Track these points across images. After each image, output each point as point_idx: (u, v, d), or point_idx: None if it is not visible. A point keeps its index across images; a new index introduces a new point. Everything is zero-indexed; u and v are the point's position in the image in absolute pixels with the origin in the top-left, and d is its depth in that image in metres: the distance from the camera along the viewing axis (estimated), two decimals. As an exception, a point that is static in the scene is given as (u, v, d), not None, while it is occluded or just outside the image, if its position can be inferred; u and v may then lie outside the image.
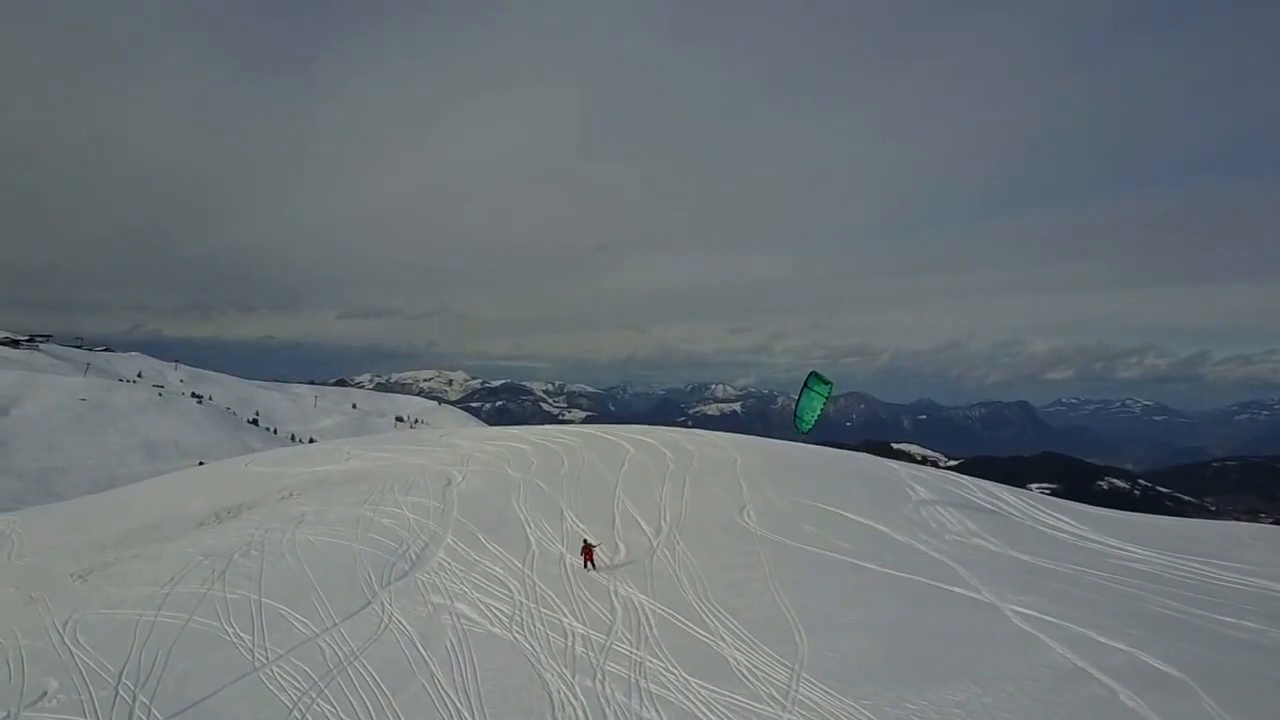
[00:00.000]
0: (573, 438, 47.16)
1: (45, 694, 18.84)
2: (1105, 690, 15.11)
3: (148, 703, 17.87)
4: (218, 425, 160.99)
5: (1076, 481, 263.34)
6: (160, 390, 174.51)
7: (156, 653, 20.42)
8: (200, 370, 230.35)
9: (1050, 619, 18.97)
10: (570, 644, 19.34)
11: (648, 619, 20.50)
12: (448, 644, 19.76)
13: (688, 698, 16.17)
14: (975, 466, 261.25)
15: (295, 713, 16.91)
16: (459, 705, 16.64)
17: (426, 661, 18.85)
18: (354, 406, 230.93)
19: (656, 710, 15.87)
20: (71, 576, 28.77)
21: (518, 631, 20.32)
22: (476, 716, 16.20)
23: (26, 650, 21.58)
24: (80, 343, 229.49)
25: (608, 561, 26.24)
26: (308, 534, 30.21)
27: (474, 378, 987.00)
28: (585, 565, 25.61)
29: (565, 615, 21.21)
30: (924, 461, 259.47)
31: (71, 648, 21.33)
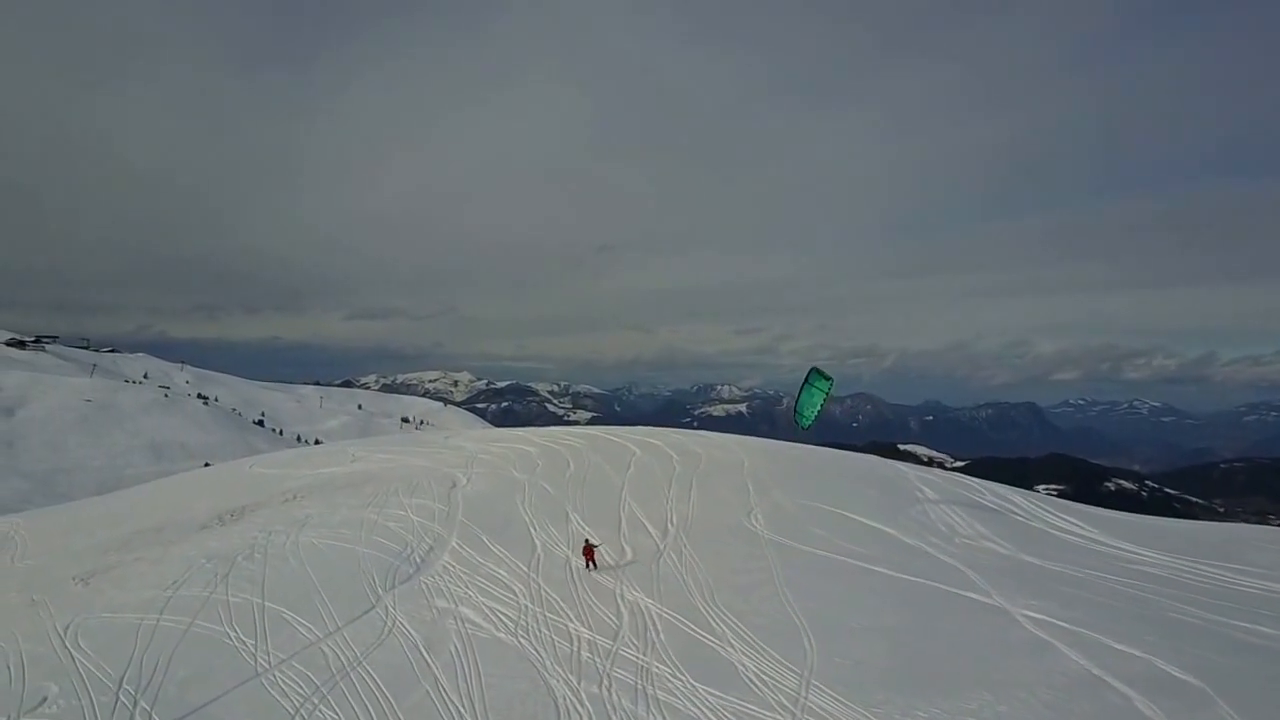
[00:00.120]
0: (578, 439, 46.93)
1: (45, 699, 18.67)
2: (1121, 698, 14.88)
3: (148, 708, 17.69)
4: (223, 426, 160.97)
5: (1084, 483, 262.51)
6: (166, 391, 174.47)
7: (158, 657, 20.22)
8: (206, 371, 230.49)
9: (1063, 624, 18.74)
10: (576, 649, 19.10)
11: (654, 624, 20.26)
12: (452, 649, 19.54)
13: (695, 705, 15.95)
14: (982, 467, 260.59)
15: (297, 719, 16.72)
16: (463, 712, 16.43)
17: (430, 667, 18.62)
18: (359, 407, 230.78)
19: (664, 718, 15.64)
20: (73, 579, 28.60)
21: (523, 636, 20.09)
22: (481, 724, 16.03)
23: (27, 654, 21.40)
24: (86, 343, 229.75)
25: (610, 562, 26.06)
26: (311, 537, 30.00)
27: (479, 379, 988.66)
28: (587, 565, 25.47)
29: (571, 620, 20.96)
30: (930, 463, 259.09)
31: (72, 652, 21.15)
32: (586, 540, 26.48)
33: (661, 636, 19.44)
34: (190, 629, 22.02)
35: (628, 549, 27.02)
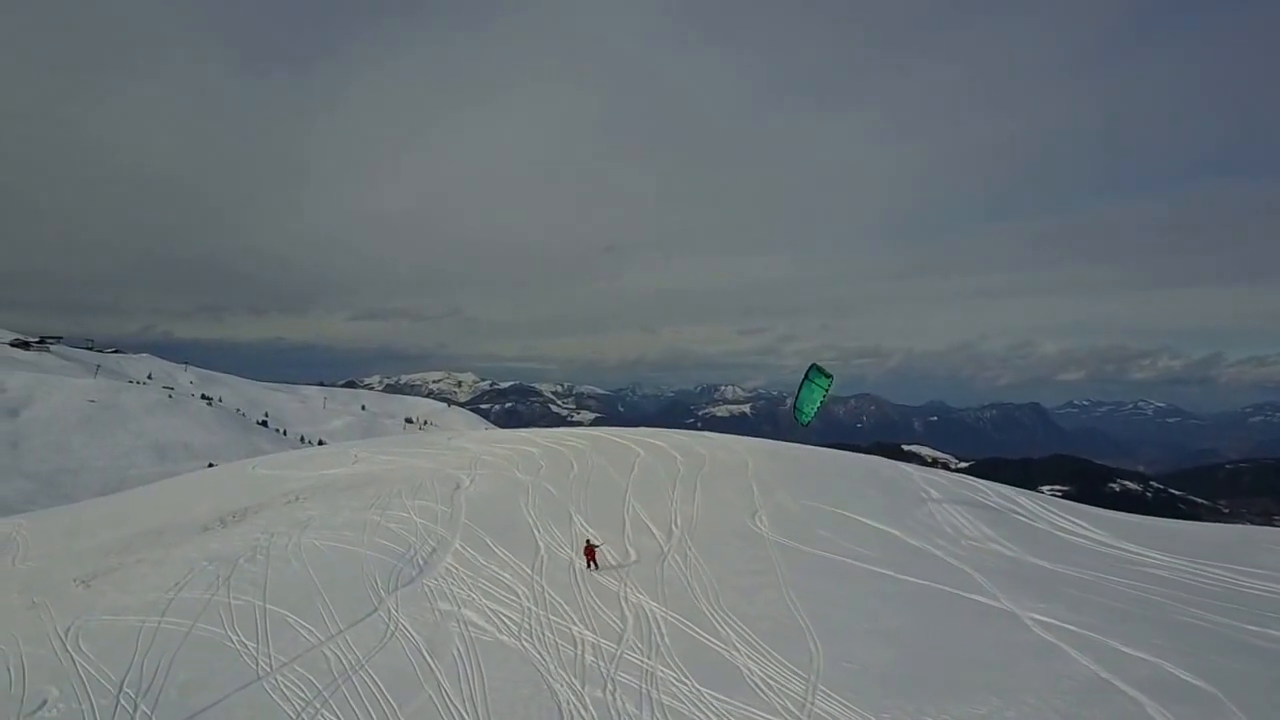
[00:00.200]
0: (581, 440, 46.80)
1: (45, 703, 18.57)
2: (1132, 703, 14.72)
3: (149, 712, 17.60)
4: (227, 427, 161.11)
5: (1088, 484, 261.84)
6: (170, 392, 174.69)
7: (159, 661, 20.13)
8: (210, 372, 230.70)
9: (1071, 628, 18.58)
10: (580, 653, 18.94)
11: (659, 627, 20.10)
12: (455, 652, 19.40)
13: (701, 710, 15.79)
14: (986, 468, 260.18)
15: (299, 724, 16.61)
16: (466, 717, 16.29)
17: (433, 670, 18.48)
18: (363, 408, 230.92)
19: (668, 723, 15.51)
20: (74, 582, 28.50)
21: (526, 640, 19.94)
22: (484, 729, 15.88)
23: (28, 657, 21.34)
24: (91, 344, 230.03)
25: (612, 561, 25.95)
26: (313, 539, 29.88)
27: (483, 379, 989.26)
28: (588, 565, 25.40)
29: (575, 623, 20.82)
30: (934, 463, 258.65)
31: (73, 655, 21.07)
32: (588, 540, 26.44)
33: (666, 640, 19.28)
34: (191, 632, 21.92)
35: (632, 551, 26.87)
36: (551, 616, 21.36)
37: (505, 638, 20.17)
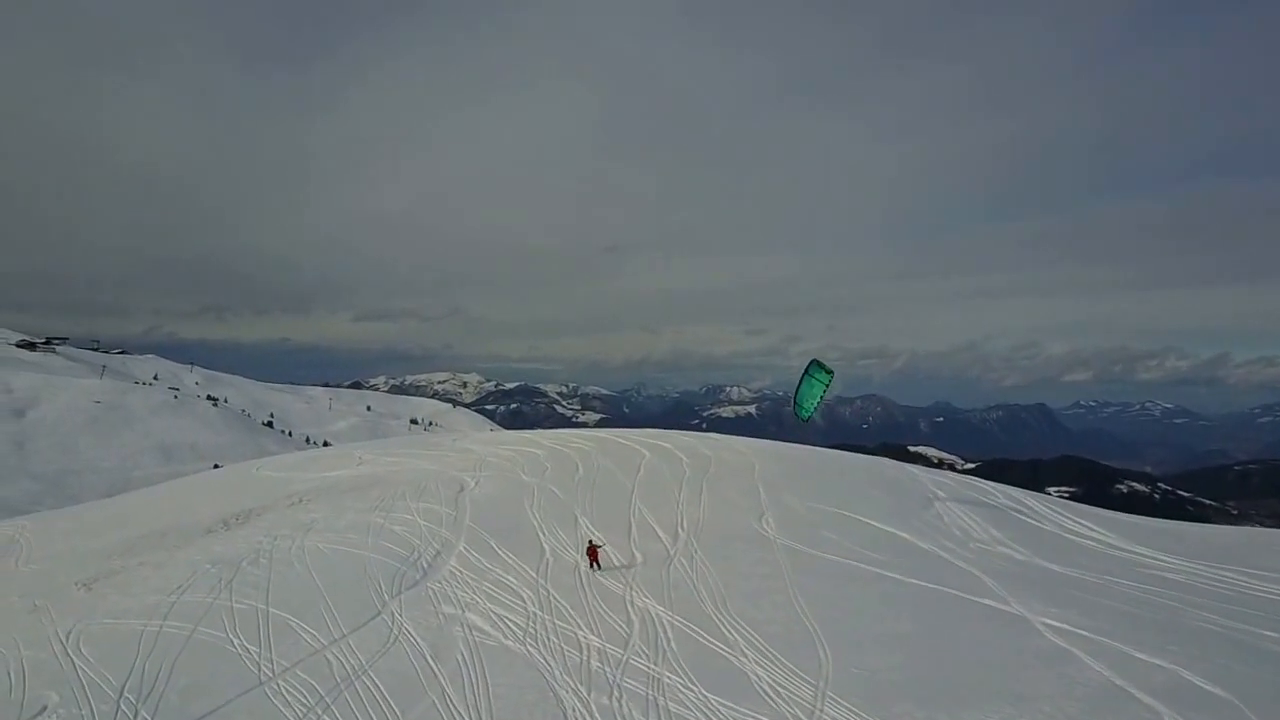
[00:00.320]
0: (587, 442, 46.63)
1: (45, 708, 18.41)
2: (1148, 712, 14.44)
3: (149, 718, 17.44)
4: (233, 428, 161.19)
5: (1096, 485, 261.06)
6: (176, 393, 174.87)
7: (160, 665, 19.99)
8: (216, 373, 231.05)
9: (1084, 633, 18.28)
10: (585, 658, 18.71)
11: (665, 632, 19.85)
12: (459, 657, 19.19)
13: (708, 717, 15.55)
14: (993, 469, 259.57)
15: (300, 730, 16.41)
16: (470, 724, 16.07)
17: (437, 675, 18.27)
18: (368, 409, 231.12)
19: (675, 730, 15.28)
20: (76, 585, 28.38)
21: (531, 644, 19.72)
22: (488, 736, 15.67)
23: (28, 661, 21.21)
24: (97, 345, 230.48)
25: (615, 562, 25.79)
26: (317, 541, 29.73)
27: (488, 380, 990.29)
28: (591, 565, 25.27)
29: (580, 628, 20.58)
30: (941, 464, 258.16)
31: (74, 659, 20.93)
32: (590, 540, 26.31)
33: (673, 645, 19.03)
34: (193, 636, 21.76)
35: (638, 554, 26.62)
36: (557, 621, 21.13)
37: (510, 642, 19.95)
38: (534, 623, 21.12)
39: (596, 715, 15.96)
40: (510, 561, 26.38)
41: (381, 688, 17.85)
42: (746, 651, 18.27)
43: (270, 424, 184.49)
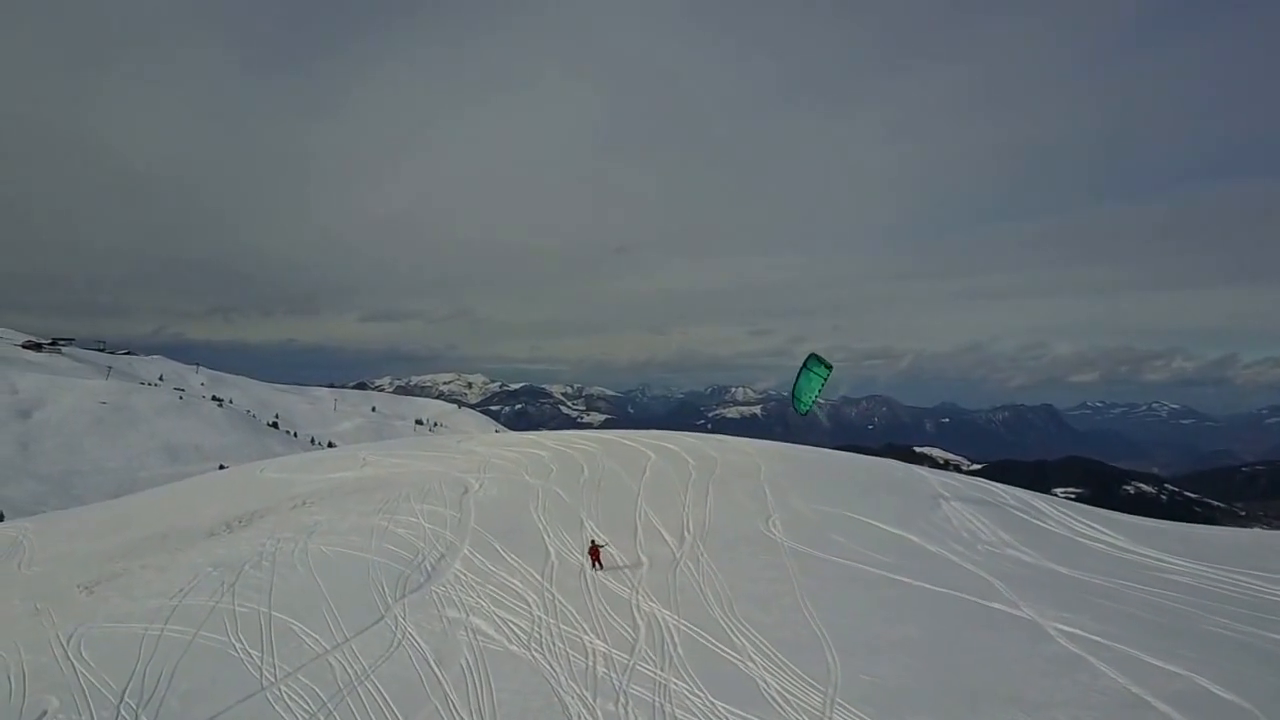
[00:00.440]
0: (592, 443, 46.41)
1: (45, 713, 18.25)
2: (1165, 720, 14.14)
3: (149, 724, 17.21)
4: (238, 428, 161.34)
5: (1102, 486, 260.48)
6: (181, 393, 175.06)
7: (161, 670, 19.79)
8: (221, 373, 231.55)
9: (1097, 639, 17.97)
10: (591, 664, 18.45)
11: (672, 637, 19.58)
12: (463, 662, 18.96)
13: (715, 725, 15.31)
14: (999, 470, 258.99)
15: (302, 737, 16.20)
16: (473, 730, 15.85)
17: (440, 681, 18.04)
18: (373, 409, 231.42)
19: (683, 739, 15.03)
20: (78, 587, 28.22)
21: (536, 649, 19.46)
22: (492, 743, 15.44)
23: (29, 665, 21.03)
24: (103, 346, 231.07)
25: (617, 562, 25.65)
26: (320, 544, 29.53)
27: (493, 380, 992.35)
28: (593, 565, 25.14)
29: (586, 632, 20.31)
30: (946, 465, 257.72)
31: (74, 663, 20.75)
32: (592, 540, 26.20)
33: (679, 650, 18.76)
34: (195, 640, 21.56)
35: (643, 557, 26.36)
36: (562, 625, 20.87)
37: (515, 647, 19.71)
38: (539, 627, 20.88)
39: (602, 722, 15.75)
40: (515, 564, 26.15)
41: (384, 693, 17.63)
42: (754, 657, 18.01)
43: (275, 425, 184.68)
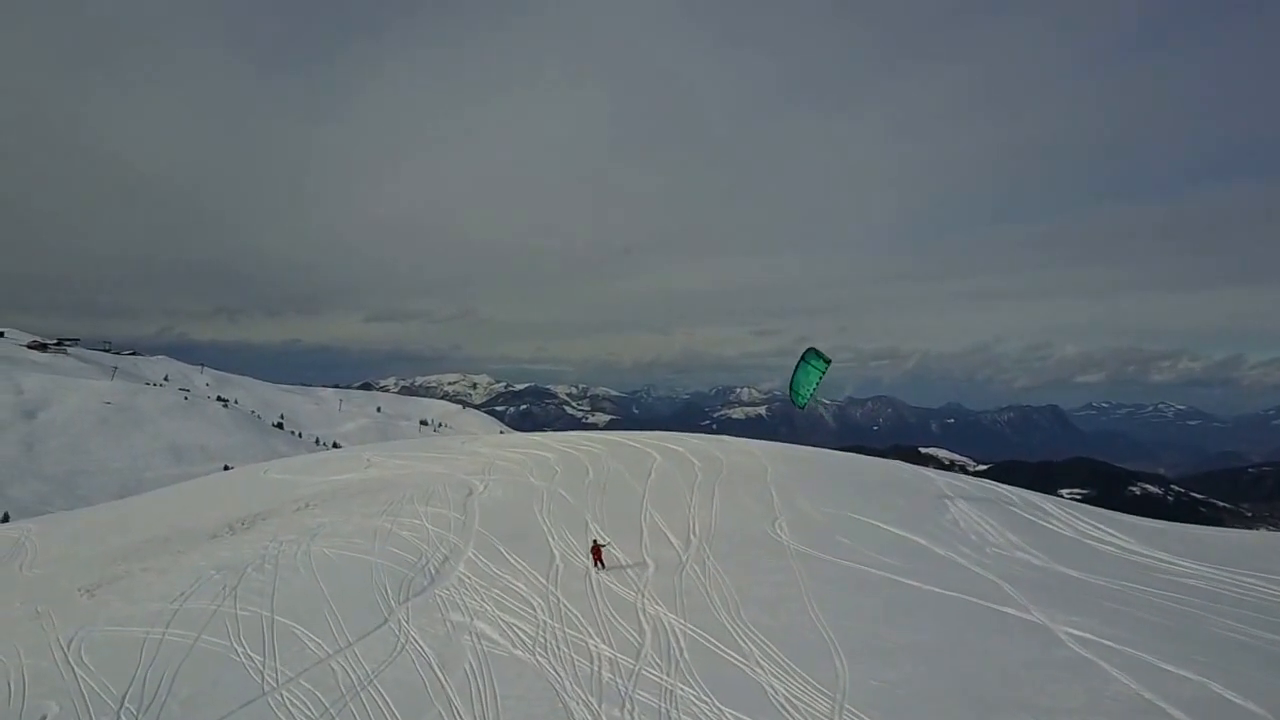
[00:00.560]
0: (597, 445, 46.30)
1: (44, 718, 18.08)
2: (1179, 727, 13.90)
3: (149, 729, 17.06)
4: (243, 429, 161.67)
5: (1108, 487, 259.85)
6: (186, 394, 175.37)
7: (162, 674, 19.64)
8: (226, 374, 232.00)
9: (1108, 643, 17.68)
10: (596, 669, 18.23)
11: (678, 641, 19.34)
12: (467, 667, 18.75)
13: (723, 732, 15.09)
14: (1004, 471, 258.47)
15: (303, 743, 16.03)
16: (477, 737, 15.66)
17: (444, 686, 17.84)
18: (378, 410, 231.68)
19: (689, 746, 14.82)
20: (79, 590, 28.10)
21: (541, 654, 19.25)
22: (496, 750, 15.25)
23: (29, 670, 20.90)
24: (108, 346, 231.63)
25: (620, 561, 25.58)
26: (323, 547, 29.39)
27: (498, 381, 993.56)
28: (595, 565, 25.08)
29: (591, 636, 20.09)
30: (952, 466, 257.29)
31: (75, 668, 20.61)
32: (594, 540, 26.17)
33: (685, 655, 18.53)
34: (196, 644, 21.40)
35: (649, 560, 26.15)
36: (567, 629, 20.65)
37: (519, 652, 19.51)
38: (544, 631, 20.67)
39: (607, 729, 15.56)
40: (519, 567, 25.96)
41: (387, 699, 17.44)
42: (762, 662, 17.77)
43: (280, 425, 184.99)
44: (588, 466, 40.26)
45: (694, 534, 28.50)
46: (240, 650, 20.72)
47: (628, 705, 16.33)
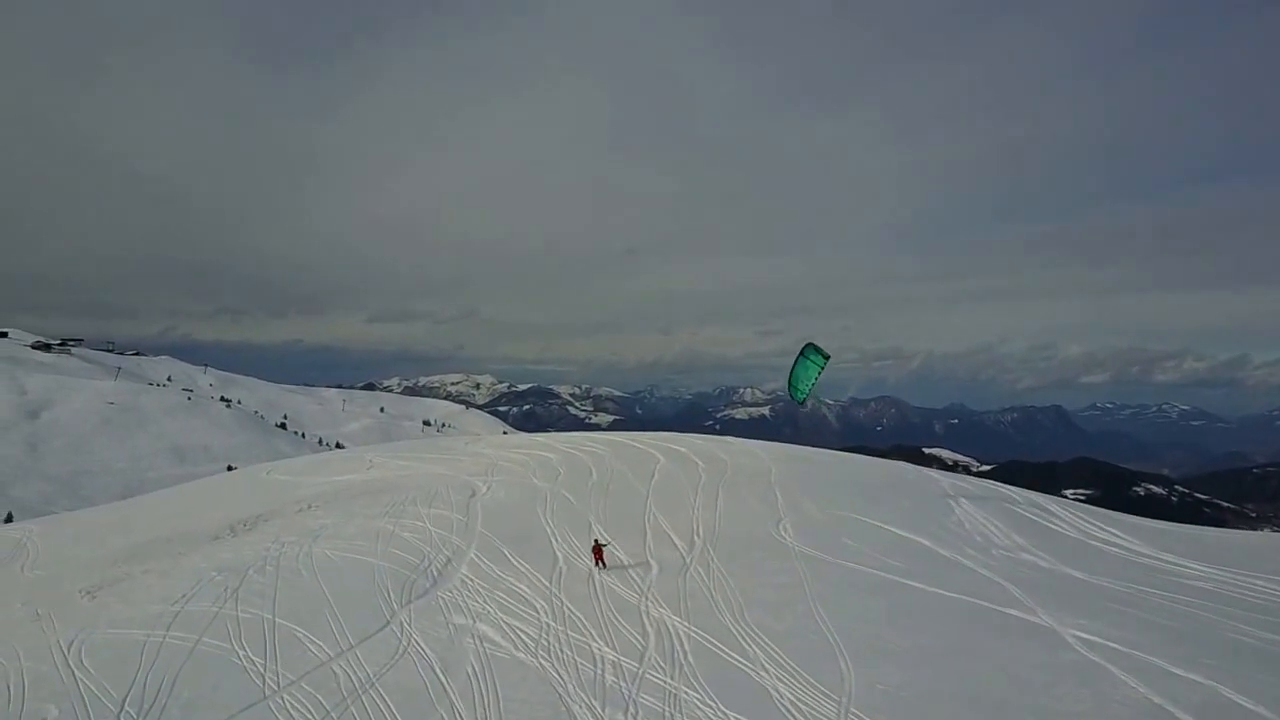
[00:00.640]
0: (601, 445, 46.22)
1: (44, 721, 18.01)
2: (1190, 732, 13.74)
3: (150, 733, 16.96)
4: (247, 429, 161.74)
5: (1112, 487, 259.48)
6: (189, 394, 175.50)
7: (163, 677, 19.57)
8: (229, 374, 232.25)
9: (1116, 646, 17.49)
10: (600, 672, 18.09)
11: (682, 644, 19.20)
12: (469, 670, 18.63)
13: (727, 736, 14.96)
14: (1008, 472, 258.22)
15: (304, 748, 15.92)
16: (479, 741, 15.54)
17: (446, 690, 17.71)
18: (381, 410, 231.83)
19: (694, 751, 14.69)
20: (80, 592, 28.03)
21: (544, 657, 19.12)
22: (498, 755, 15.13)
23: (28, 673, 20.85)
24: (111, 346, 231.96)
25: (621, 561, 25.55)
26: (325, 548, 29.30)
27: (501, 381, 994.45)
28: (596, 564, 25.05)
29: (594, 639, 19.95)
30: (955, 466, 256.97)
31: (75, 671, 20.55)
32: (595, 539, 26.17)
33: (690, 658, 18.39)
34: (197, 647, 21.33)
35: (653, 562, 26.02)
36: (570, 632, 20.53)
37: (522, 655, 19.37)
38: (547, 634, 20.54)
39: (611, 733, 15.43)
40: (522, 569, 25.86)
41: (389, 702, 17.33)
42: (766, 666, 17.61)
43: (283, 425, 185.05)
44: (591, 467, 40.17)
45: (698, 536, 28.37)
46: (241, 653, 20.63)
47: (631, 709, 16.20)
